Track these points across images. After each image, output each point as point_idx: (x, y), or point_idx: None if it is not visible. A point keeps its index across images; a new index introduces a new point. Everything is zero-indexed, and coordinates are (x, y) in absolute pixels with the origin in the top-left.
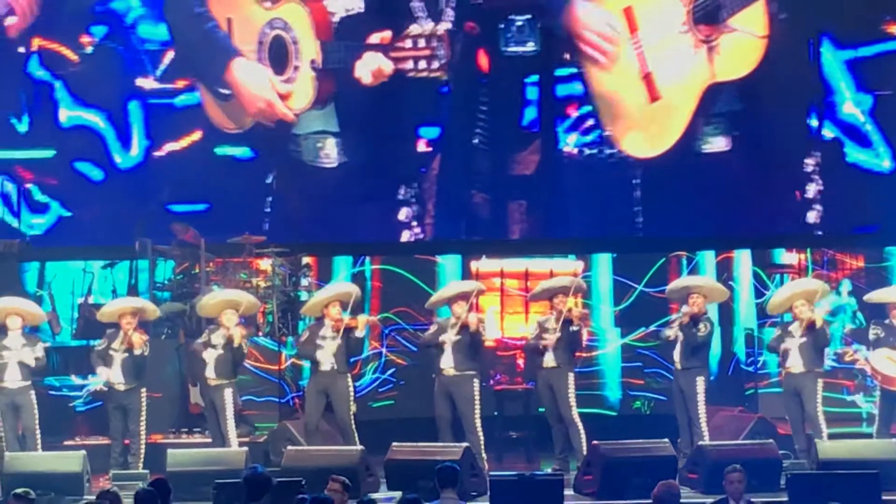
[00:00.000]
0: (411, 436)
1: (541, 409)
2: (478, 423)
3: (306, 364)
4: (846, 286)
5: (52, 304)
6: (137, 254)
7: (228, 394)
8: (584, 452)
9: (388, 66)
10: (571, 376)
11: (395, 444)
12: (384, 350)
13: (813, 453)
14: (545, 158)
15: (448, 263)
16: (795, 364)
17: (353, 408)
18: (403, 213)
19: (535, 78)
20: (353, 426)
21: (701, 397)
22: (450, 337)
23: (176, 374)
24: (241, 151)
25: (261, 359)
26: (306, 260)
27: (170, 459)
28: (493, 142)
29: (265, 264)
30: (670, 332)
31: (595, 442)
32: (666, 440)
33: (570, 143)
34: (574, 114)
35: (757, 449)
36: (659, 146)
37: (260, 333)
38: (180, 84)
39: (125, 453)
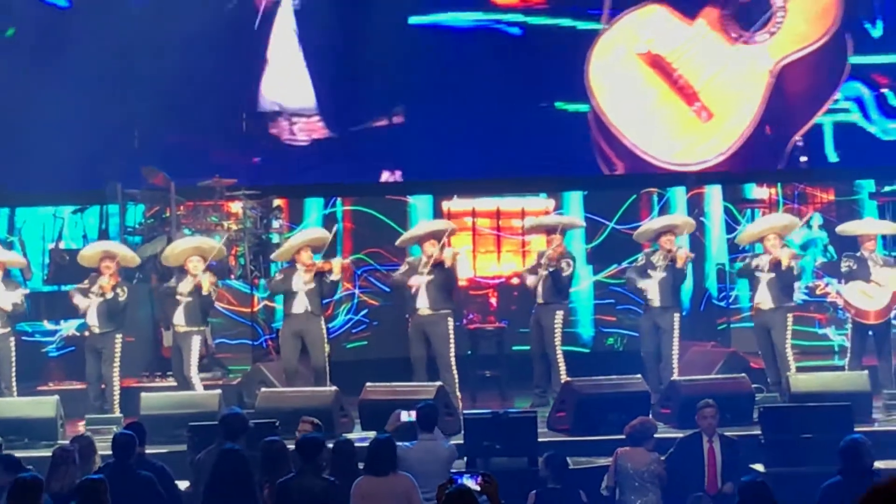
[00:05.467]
0: (385, 376)
1: (514, 347)
2: (453, 361)
3: (279, 306)
4: (817, 220)
5: (23, 249)
6: (107, 198)
7: (196, 340)
8: None
9: None
10: (560, 314)
11: (368, 384)
12: (357, 291)
13: (785, 386)
14: None
15: (420, 203)
16: (764, 300)
17: (327, 349)
18: None
19: None
20: (328, 368)
21: (677, 334)
22: (423, 277)
23: (149, 318)
24: None
25: (233, 301)
26: (277, 202)
27: (143, 403)
28: None
29: (236, 207)
30: (646, 283)
31: (567, 378)
32: (639, 376)
33: None
34: None
35: (729, 383)
36: None
37: (232, 276)
38: None
39: (101, 397)
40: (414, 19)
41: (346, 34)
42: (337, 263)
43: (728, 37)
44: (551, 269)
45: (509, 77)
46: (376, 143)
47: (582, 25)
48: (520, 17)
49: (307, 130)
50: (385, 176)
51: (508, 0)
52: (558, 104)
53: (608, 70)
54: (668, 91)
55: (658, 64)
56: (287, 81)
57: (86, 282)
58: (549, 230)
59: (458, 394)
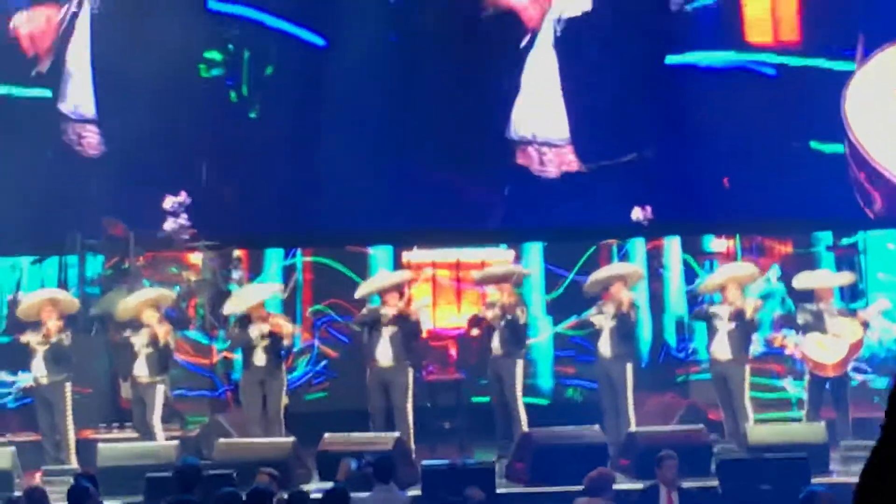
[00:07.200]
0: (344, 427)
1: (474, 399)
2: (410, 413)
3: (238, 357)
4: (775, 272)
5: None
6: (66, 249)
7: (160, 390)
8: None
9: None
10: (520, 364)
11: (327, 434)
12: (317, 342)
13: (743, 438)
14: None
15: (380, 254)
16: (723, 350)
17: (286, 400)
18: None
19: None
20: (283, 420)
21: (630, 384)
22: (386, 329)
23: (105, 370)
24: None
25: (192, 353)
26: (237, 253)
27: (101, 454)
28: None
29: (195, 258)
30: (599, 319)
31: (526, 429)
32: (596, 426)
33: None
34: None
35: (687, 435)
36: None
37: (191, 327)
38: None
39: (57, 448)
40: (671, 59)
41: (602, 66)
42: (288, 330)
43: None
44: (508, 319)
45: (763, 117)
46: (625, 179)
47: (837, 66)
48: (774, 58)
49: (557, 162)
50: (636, 212)
51: (763, 40)
52: (813, 144)
53: (866, 107)
54: None
55: None
56: (540, 110)
57: (27, 332)
58: (500, 279)
59: (413, 445)
